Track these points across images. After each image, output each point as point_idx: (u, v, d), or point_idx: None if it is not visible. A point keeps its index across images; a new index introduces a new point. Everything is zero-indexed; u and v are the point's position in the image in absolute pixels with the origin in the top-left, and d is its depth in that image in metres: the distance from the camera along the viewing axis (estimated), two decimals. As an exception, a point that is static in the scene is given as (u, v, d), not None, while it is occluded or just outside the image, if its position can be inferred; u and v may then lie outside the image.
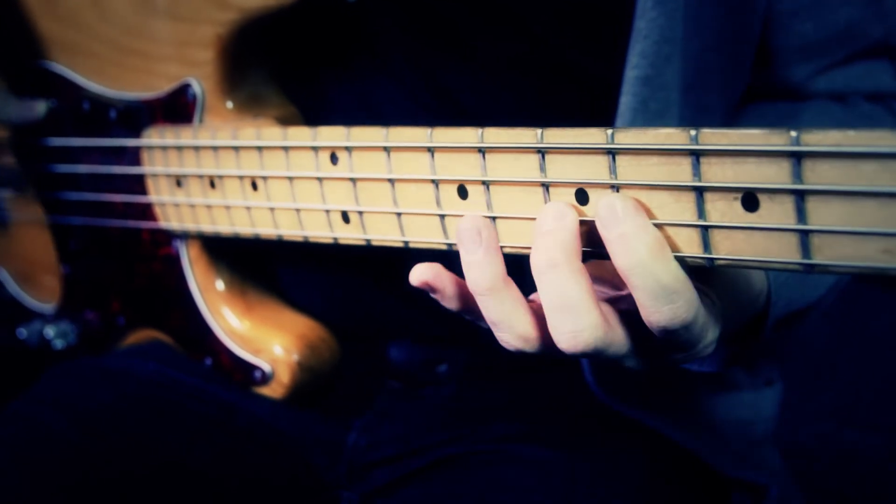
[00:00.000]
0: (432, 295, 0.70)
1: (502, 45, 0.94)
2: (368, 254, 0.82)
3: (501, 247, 0.70)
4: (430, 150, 0.71)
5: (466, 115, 0.96)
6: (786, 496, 1.07)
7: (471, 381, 1.06)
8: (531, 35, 0.93)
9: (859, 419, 1.69)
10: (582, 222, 0.64)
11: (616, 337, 0.63)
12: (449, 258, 0.74)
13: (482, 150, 0.68)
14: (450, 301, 0.69)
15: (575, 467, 0.94)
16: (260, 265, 1.06)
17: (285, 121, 0.95)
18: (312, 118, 1.00)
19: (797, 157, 0.53)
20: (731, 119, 1.02)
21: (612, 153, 0.61)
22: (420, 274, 0.68)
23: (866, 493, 1.46)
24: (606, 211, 0.59)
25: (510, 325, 0.65)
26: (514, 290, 0.65)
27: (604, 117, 0.91)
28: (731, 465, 1.04)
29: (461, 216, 0.71)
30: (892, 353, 1.72)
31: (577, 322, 0.61)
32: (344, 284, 1.05)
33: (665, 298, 0.59)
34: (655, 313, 0.59)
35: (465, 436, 1.02)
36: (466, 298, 0.69)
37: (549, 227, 0.62)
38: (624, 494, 0.92)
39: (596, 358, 0.64)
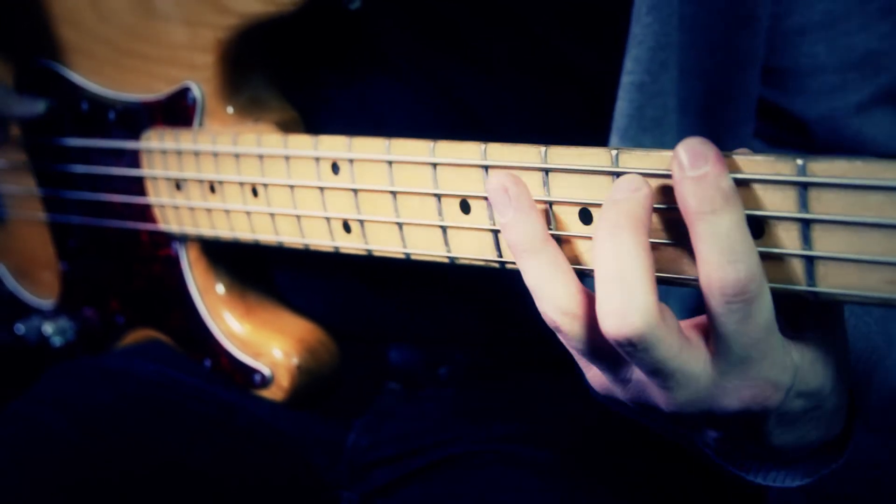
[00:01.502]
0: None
1: (503, 45, 0.94)
2: (368, 258, 0.82)
3: (503, 262, 0.70)
4: (433, 164, 0.70)
5: (468, 116, 0.96)
6: (787, 496, 1.07)
7: (471, 382, 1.06)
8: (532, 35, 0.92)
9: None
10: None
11: (668, 336, 0.56)
12: (450, 270, 0.75)
13: (485, 167, 0.67)
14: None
15: (574, 468, 0.94)
16: (259, 268, 1.06)
17: (286, 125, 0.95)
18: (313, 121, 0.99)
19: (803, 186, 0.53)
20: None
21: (616, 175, 0.61)
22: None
23: (866, 493, 1.46)
24: (690, 154, 0.55)
25: (549, 292, 0.60)
26: (555, 253, 0.61)
27: (605, 117, 0.90)
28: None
29: (463, 228, 0.71)
30: (892, 353, 1.71)
31: (629, 300, 0.55)
32: (344, 289, 1.04)
33: (730, 254, 0.54)
34: (717, 270, 0.54)
35: (465, 436, 1.02)
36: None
37: (621, 196, 0.58)
38: (623, 495, 0.92)
39: (645, 356, 0.57)
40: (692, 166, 0.54)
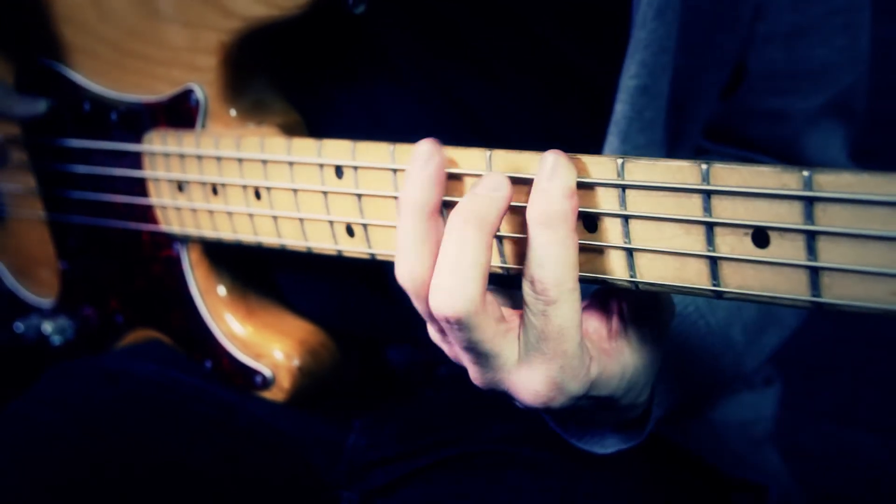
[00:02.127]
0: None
1: (504, 46, 0.94)
2: (370, 262, 0.82)
3: (507, 268, 0.70)
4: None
5: (469, 117, 0.96)
6: (787, 496, 1.08)
7: (470, 382, 1.06)
8: (532, 36, 0.93)
9: (859, 419, 1.70)
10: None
11: (485, 323, 0.64)
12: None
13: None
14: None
15: (575, 467, 0.94)
16: (261, 269, 1.06)
17: (289, 128, 0.95)
18: (315, 123, 0.99)
19: (809, 199, 0.53)
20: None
21: (622, 188, 0.61)
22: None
23: (866, 493, 1.47)
24: (548, 168, 0.62)
25: (410, 254, 0.66)
26: (434, 230, 0.66)
27: (605, 117, 0.91)
28: (732, 466, 1.04)
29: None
30: (892, 353, 1.72)
31: (456, 286, 0.63)
32: (343, 289, 1.04)
33: (542, 259, 0.62)
34: (530, 266, 0.62)
35: (464, 436, 1.02)
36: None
37: (481, 192, 0.64)
38: (624, 495, 0.93)
39: (464, 336, 0.65)
40: (545, 179, 0.62)
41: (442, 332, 0.70)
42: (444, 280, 0.63)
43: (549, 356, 0.64)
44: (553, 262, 0.62)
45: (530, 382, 0.66)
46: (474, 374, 0.70)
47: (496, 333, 0.65)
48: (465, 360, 0.69)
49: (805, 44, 0.97)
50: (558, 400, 0.67)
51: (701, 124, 1.01)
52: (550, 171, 0.62)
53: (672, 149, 0.95)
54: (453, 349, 0.71)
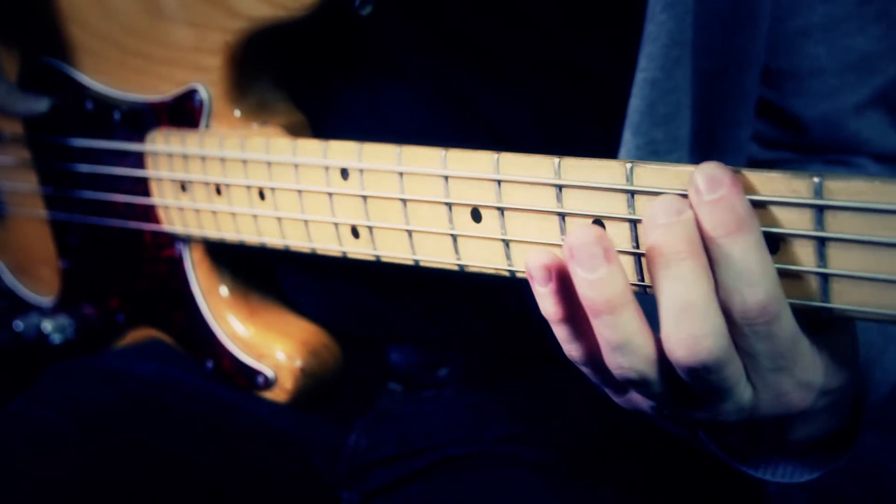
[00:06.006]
0: (538, 287, 0.59)
1: (512, 45, 0.94)
2: (374, 262, 0.82)
3: (513, 271, 0.70)
4: (445, 176, 0.71)
5: (477, 118, 0.96)
6: (787, 496, 1.08)
7: (471, 383, 1.06)
8: (545, 38, 0.93)
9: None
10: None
11: (733, 356, 0.57)
12: (458, 276, 0.75)
13: (498, 181, 0.68)
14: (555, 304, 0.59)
15: (576, 468, 0.94)
16: (263, 269, 1.06)
17: (293, 128, 0.95)
18: (320, 123, 0.99)
19: (819, 206, 0.53)
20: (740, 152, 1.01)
21: (630, 193, 0.61)
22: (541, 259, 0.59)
23: (866, 493, 1.47)
24: (706, 179, 0.54)
25: (635, 346, 0.57)
26: (637, 304, 0.57)
27: (615, 118, 0.91)
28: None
29: (474, 237, 0.71)
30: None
31: (700, 325, 0.54)
32: (344, 289, 1.05)
33: (746, 278, 0.54)
34: (735, 294, 0.54)
35: (465, 437, 1.02)
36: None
37: (666, 220, 0.55)
38: (624, 495, 0.93)
39: (713, 377, 0.56)
40: (708, 191, 0.54)
41: (676, 394, 0.61)
42: (680, 328, 0.55)
43: (788, 367, 0.58)
44: (761, 274, 0.54)
45: (779, 398, 0.60)
46: (711, 414, 0.61)
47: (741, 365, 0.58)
48: (703, 406, 0.61)
49: (842, 34, 0.95)
50: (808, 399, 0.61)
51: (740, 132, 0.99)
52: (718, 176, 0.54)
53: (709, 151, 0.95)
54: (675, 410, 0.63)
